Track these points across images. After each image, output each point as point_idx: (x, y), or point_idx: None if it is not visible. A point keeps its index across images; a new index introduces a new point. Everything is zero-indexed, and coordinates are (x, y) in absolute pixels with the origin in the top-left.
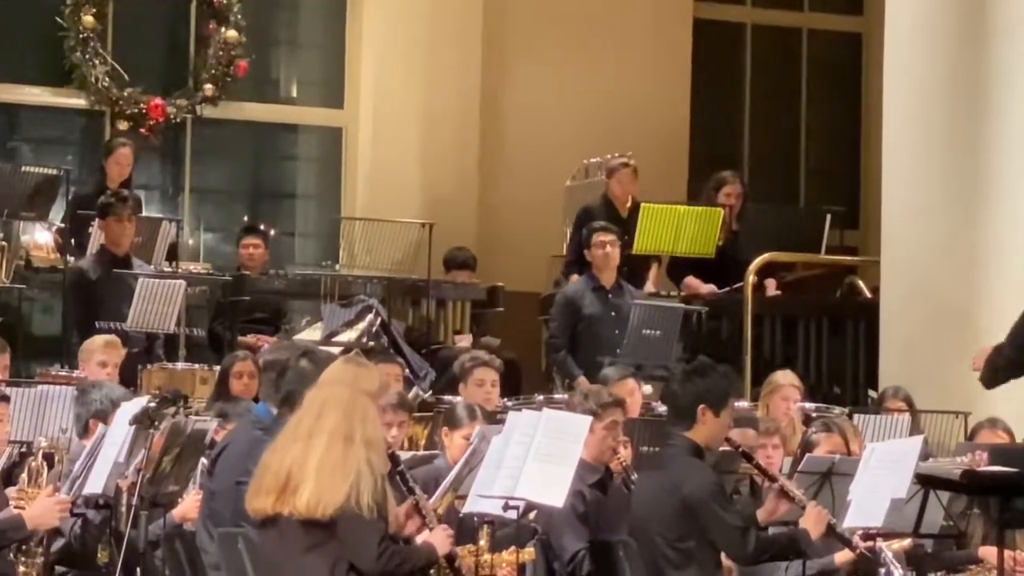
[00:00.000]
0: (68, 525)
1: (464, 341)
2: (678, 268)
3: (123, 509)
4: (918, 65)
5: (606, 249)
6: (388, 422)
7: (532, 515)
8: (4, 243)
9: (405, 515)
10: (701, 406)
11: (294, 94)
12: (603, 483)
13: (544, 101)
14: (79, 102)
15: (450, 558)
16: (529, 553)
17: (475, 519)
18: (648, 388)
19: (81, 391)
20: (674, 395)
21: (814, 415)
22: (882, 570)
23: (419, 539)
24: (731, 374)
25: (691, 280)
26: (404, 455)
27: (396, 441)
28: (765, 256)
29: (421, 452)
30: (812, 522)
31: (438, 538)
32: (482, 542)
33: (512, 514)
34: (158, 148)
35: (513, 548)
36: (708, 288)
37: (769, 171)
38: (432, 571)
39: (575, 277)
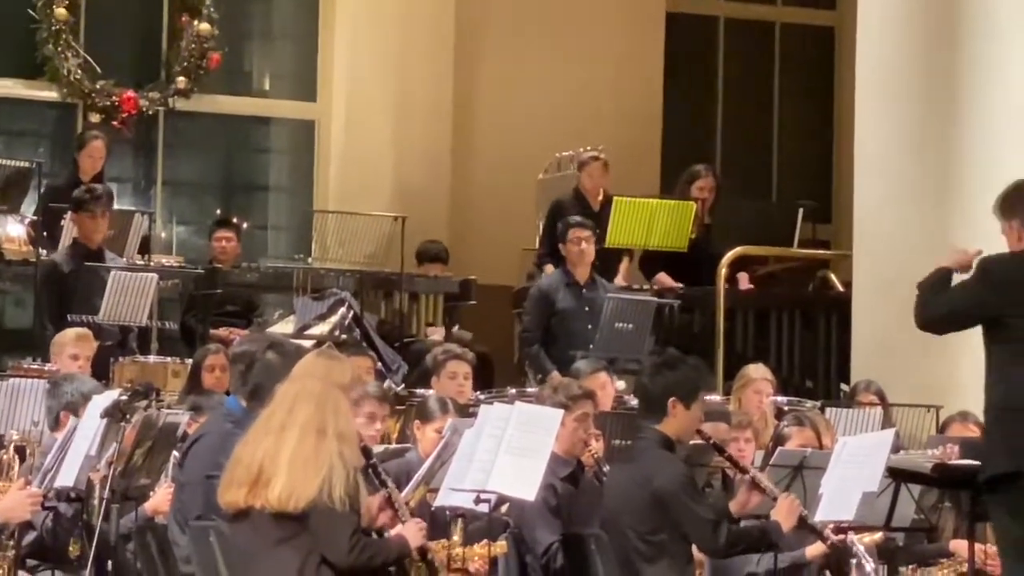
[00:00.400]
0: (40, 518)
1: (436, 334)
2: (650, 262)
3: (95, 502)
4: (890, 59)
5: (581, 245)
6: (371, 414)
7: (504, 508)
8: None
9: (378, 508)
10: (671, 399)
11: (266, 87)
12: (575, 476)
13: (516, 94)
14: (51, 94)
15: (422, 551)
16: (501, 547)
17: (447, 512)
18: (621, 383)
19: (53, 384)
20: (644, 388)
21: (786, 409)
22: (853, 562)
23: (392, 532)
24: (701, 366)
25: (662, 277)
26: (376, 448)
27: (378, 434)
28: (737, 250)
29: (393, 446)
30: (784, 513)
31: (410, 531)
32: (455, 536)
33: (484, 507)
34: (130, 141)
35: (485, 542)
36: (678, 285)
37: (742, 165)
38: (406, 564)
39: (549, 269)
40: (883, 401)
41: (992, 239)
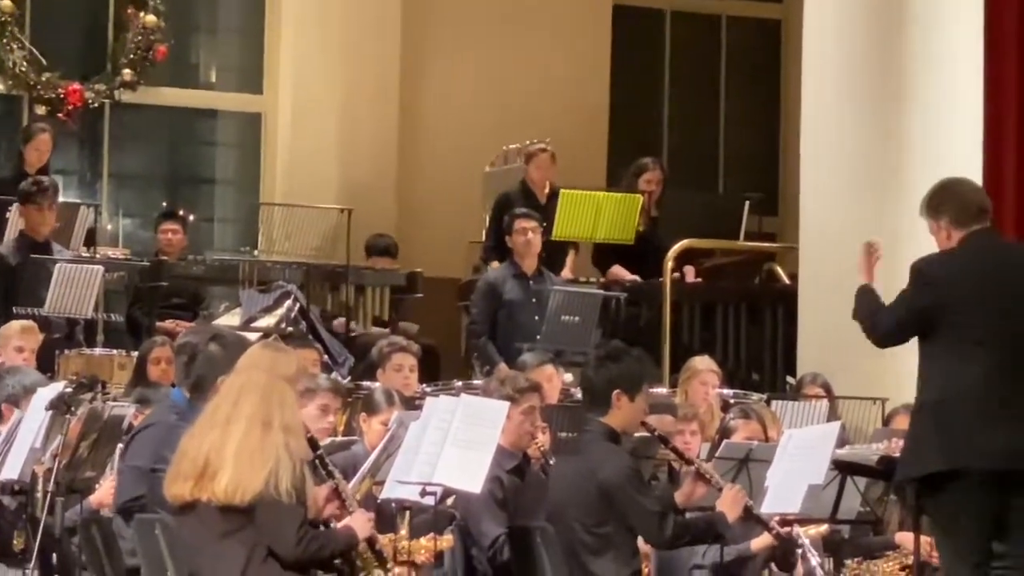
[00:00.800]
0: None
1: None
2: (604, 255)
3: (39, 495)
4: (836, 53)
5: (528, 236)
6: (324, 407)
7: (450, 501)
8: None
9: (325, 499)
10: (616, 391)
11: (213, 79)
12: (521, 469)
13: (463, 87)
14: None
15: (371, 541)
16: (447, 540)
17: (393, 505)
18: (568, 376)
19: None
20: (589, 381)
21: (732, 401)
22: (799, 554)
23: (339, 524)
24: (645, 358)
25: (617, 269)
26: (323, 441)
27: (331, 427)
28: (684, 243)
29: (339, 438)
30: (729, 503)
31: (358, 522)
32: (402, 531)
33: (430, 500)
34: (76, 133)
35: (432, 535)
36: (634, 278)
37: (688, 158)
38: (353, 555)
39: (496, 263)
40: (829, 394)
41: None
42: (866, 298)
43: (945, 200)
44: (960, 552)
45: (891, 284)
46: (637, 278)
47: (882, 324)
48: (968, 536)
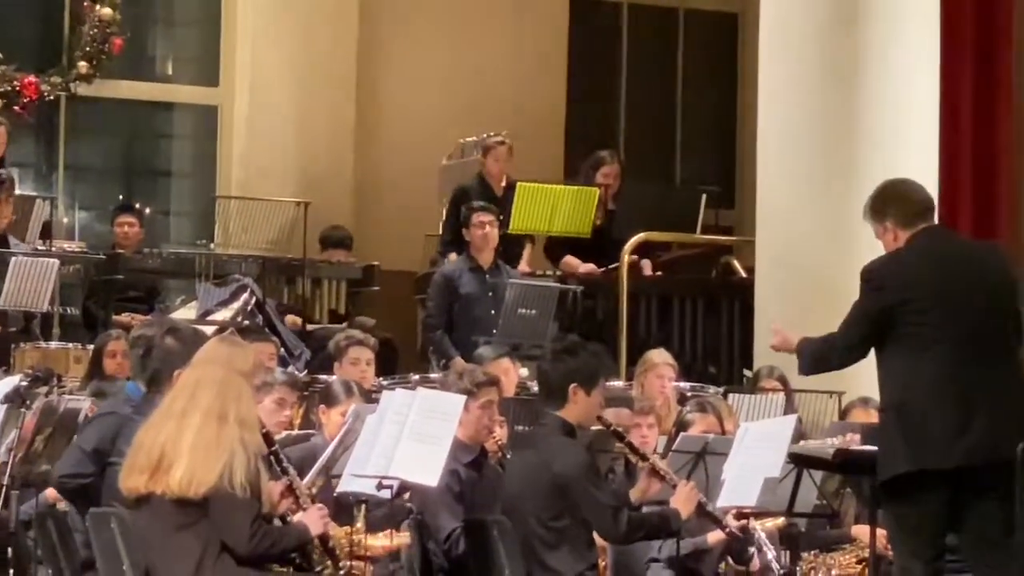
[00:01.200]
0: None
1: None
2: (556, 248)
3: None
4: (793, 46)
5: (485, 230)
6: (280, 400)
7: (407, 495)
8: None
9: (279, 495)
10: (572, 385)
11: (169, 72)
12: (478, 463)
13: (420, 80)
14: None
15: (323, 539)
16: (404, 537)
17: (351, 498)
18: (524, 370)
19: None
20: (545, 375)
21: (689, 394)
22: (753, 549)
23: (293, 519)
24: (601, 353)
25: (569, 259)
26: (280, 435)
27: (288, 420)
28: (641, 235)
29: (296, 431)
30: (682, 501)
31: (311, 518)
32: (358, 523)
33: (386, 493)
34: (32, 126)
35: (388, 532)
36: (587, 267)
37: (645, 150)
38: (308, 550)
39: (452, 256)
40: (786, 387)
41: None
42: (808, 343)
43: (888, 201)
44: (917, 550)
45: (848, 280)
46: (592, 266)
47: (839, 342)
48: (926, 534)
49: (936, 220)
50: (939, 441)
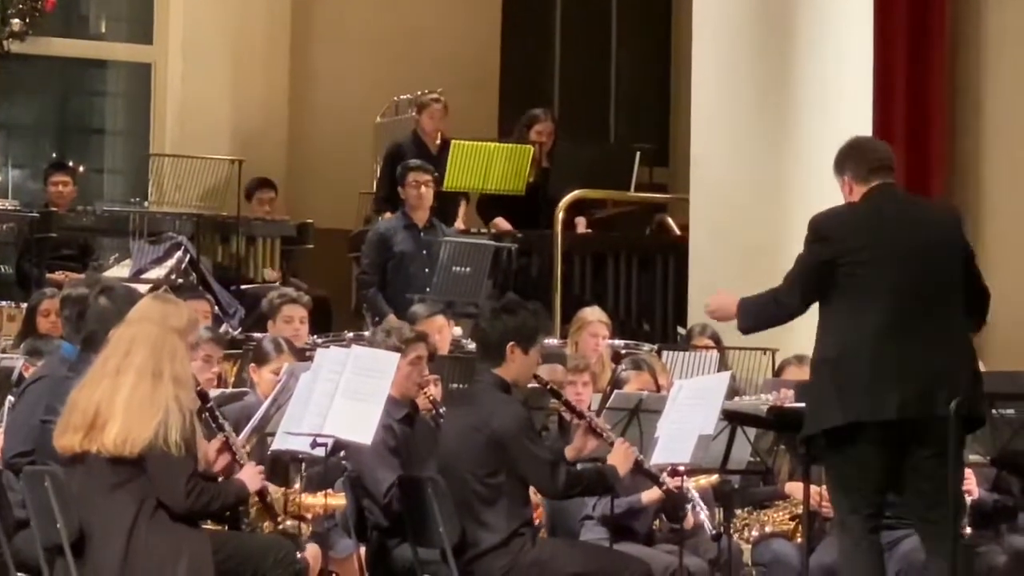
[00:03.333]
0: None
1: (273, 275)
2: (488, 206)
3: None
4: (727, 3)
5: (420, 190)
6: (207, 357)
7: (342, 453)
8: None
9: (216, 452)
10: (510, 343)
11: (103, 30)
12: (410, 418)
13: (354, 37)
14: None
15: (261, 494)
16: (340, 498)
17: (287, 457)
18: (458, 330)
19: None
20: (483, 333)
21: (623, 352)
22: (688, 507)
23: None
24: (540, 311)
25: (499, 221)
26: (213, 392)
27: (215, 376)
28: (575, 193)
29: (231, 390)
30: (619, 458)
31: (248, 474)
32: (297, 484)
33: (320, 451)
34: None
35: (325, 492)
36: (515, 231)
37: (580, 108)
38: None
39: (387, 214)
40: (718, 344)
41: (827, 182)
42: (749, 301)
43: (847, 156)
44: (856, 505)
45: (782, 235)
46: (517, 233)
47: (781, 296)
48: (865, 490)
49: (893, 177)
50: (874, 394)
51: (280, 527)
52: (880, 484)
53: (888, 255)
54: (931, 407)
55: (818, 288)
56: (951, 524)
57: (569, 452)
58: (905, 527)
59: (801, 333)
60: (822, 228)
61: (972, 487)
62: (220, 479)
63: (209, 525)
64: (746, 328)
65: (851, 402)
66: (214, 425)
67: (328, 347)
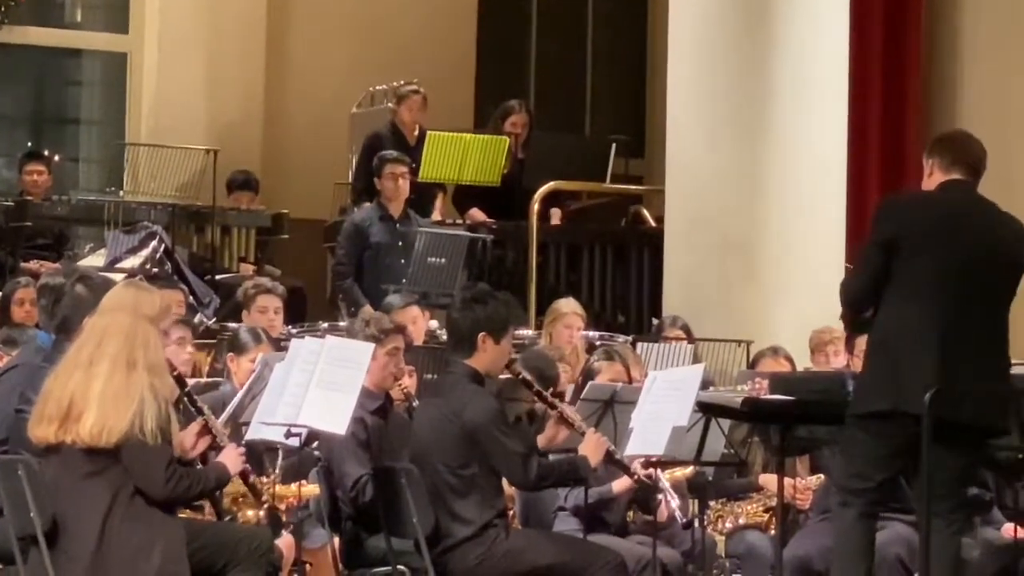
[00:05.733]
0: None
1: (249, 270)
2: (463, 197)
3: None
4: None
5: (398, 182)
6: (181, 339)
7: (315, 444)
8: None
9: (196, 435)
10: (481, 334)
11: (78, 19)
12: (384, 409)
13: (329, 29)
14: None
15: (244, 475)
16: (313, 488)
17: (261, 446)
18: (434, 323)
19: None
20: (454, 323)
21: (598, 343)
22: (660, 498)
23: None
24: (511, 302)
25: (474, 212)
26: (189, 381)
27: (191, 358)
28: (550, 185)
29: (206, 379)
30: (591, 449)
31: (229, 457)
32: (273, 474)
33: (294, 441)
34: None
35: (299, 483)
36: (491, 221)
37: (555, 99)
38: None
39: (367, 205)
40: (689, 336)
41: (802, 174)
42: (842, 283)
43: (941, 142)
44: (862, 473)
45: (757, 227)
46: (492, 221)
47: (849, 277)
48: (871, 464)
49: (976, 181)
50: (912, 387)
51: (264, 507)
52: (890, 467)
53: (942, 243)
54: (958, 412)
55: (883, 268)
56: (958, 520)
57: (541, 441)
58: (885, 519)
59: (776, 326)
60: (889, 206)
61: None
62: (198, 466)
63: (197, 515)
64: (841, 316)
65: (893, 390)
66: (193, 409)
67: (303, 337)
